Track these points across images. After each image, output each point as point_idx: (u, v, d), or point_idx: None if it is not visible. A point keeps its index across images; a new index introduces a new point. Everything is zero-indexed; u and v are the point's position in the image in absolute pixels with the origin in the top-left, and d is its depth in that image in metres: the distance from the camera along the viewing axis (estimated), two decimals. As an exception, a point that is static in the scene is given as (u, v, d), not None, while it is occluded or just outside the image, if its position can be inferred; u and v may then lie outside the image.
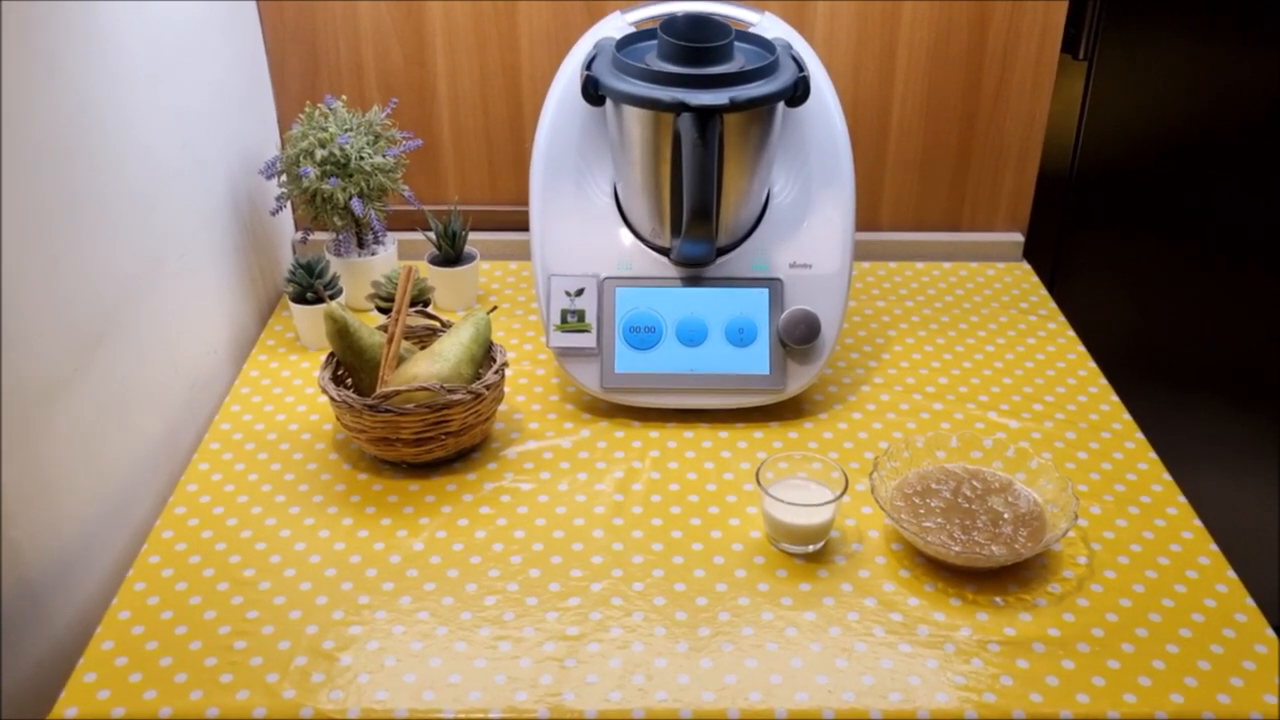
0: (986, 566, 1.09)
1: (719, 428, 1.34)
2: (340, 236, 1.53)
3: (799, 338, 1.32)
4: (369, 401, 1.21)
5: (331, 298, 1.45)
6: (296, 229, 1.68)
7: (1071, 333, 1.53)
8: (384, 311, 1.44)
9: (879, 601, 1.10)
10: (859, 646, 1.05)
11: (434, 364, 1.25)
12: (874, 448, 1.31)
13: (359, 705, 0.98)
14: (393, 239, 1.58)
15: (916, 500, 1.16)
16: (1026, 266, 1.71)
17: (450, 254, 1.55)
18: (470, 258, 1.57)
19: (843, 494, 1.14)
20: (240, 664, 1.02)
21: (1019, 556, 1.08)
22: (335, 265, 1.53)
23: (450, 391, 1.21)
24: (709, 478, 1.26)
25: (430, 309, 1.49)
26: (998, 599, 1.09)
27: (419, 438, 1.23)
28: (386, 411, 1.21)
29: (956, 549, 1.09)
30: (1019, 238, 1.72)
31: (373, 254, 1.55)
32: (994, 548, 1.10)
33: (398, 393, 1.21)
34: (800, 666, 1.03)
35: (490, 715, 0.98)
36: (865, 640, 1.05)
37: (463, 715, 0.98)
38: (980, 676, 1.01)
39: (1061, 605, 1.09)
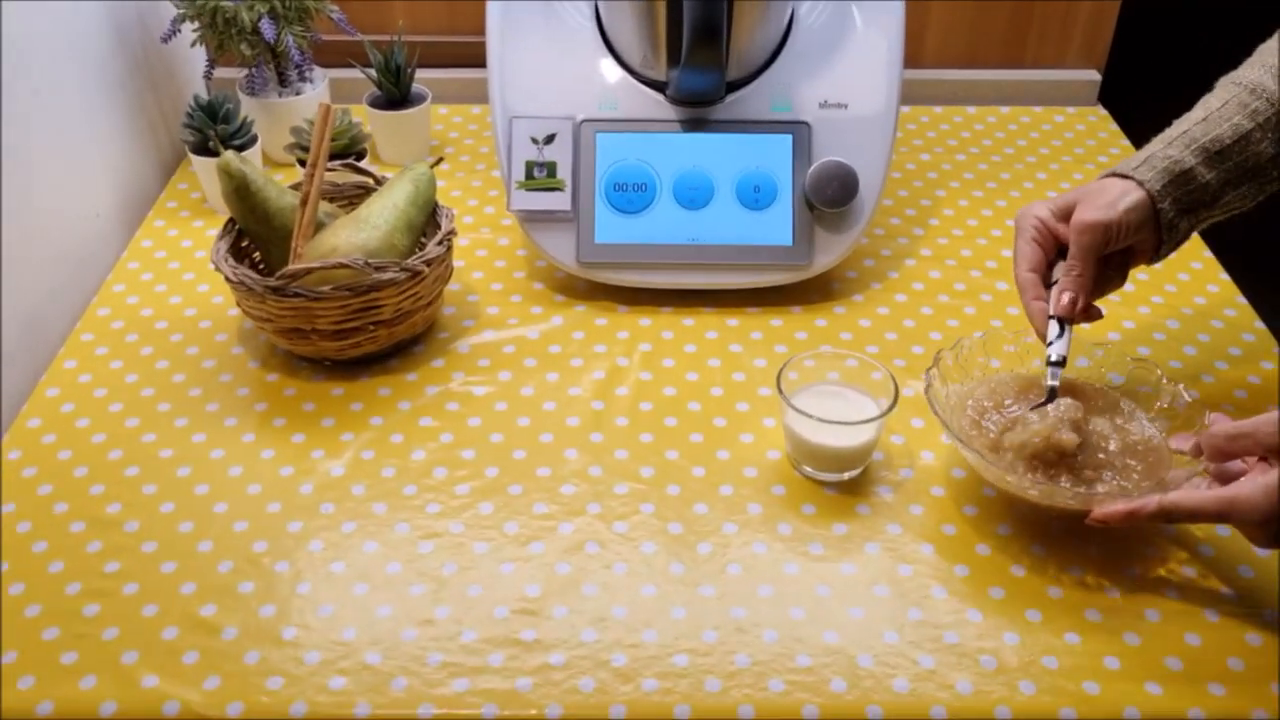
0: (1081, 509, 0.82)
1: (727, 314, 1.06)
2: (254, 71, 1.22)
3: (830, 198, 1.03)
4: (272, 282, 0.93)
5: (240, 147, 1.15)
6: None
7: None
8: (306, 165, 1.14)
9: (938, 550, 0.83)
10: (912, 614, 0.79)
11: (358, 232, 0.96)
12: (924, 339, 1.03)
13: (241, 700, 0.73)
14: (323, 75, 1.28)
15: (988, 420, 0.88)
16: (1104, 112, 1.40)
17: (394, 94, 1.25)
18: (420, 99, 1.26)
19: (891, 406, 0.86)
20: (91, 639, 0.77)
21: (1127, 498, 0.80)
22: (249, 107, 1.23)
23: (378, 268, 0.93)
24: (714, 379, 0.99)
25: (366, 163, 1.19)
26: (1093, 548, 0.83)
27: (341, 328, 0.95)
28: (296, 295, 0.93)
29: (1029, 481, 0.81)
30: (1095, 77, 1.41)
31: (297, 94, 1.24)
32: (1099, 486, 0.82)
33: (310, 270, 0.92)
34: (836, 643, 0.77)
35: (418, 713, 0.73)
36: (922, 606, 0.79)
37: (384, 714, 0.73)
38: (1080, 659, 0.76)
39: (1185, 560, 0.82)
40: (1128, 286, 1.08)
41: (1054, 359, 0.86)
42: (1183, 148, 0.85)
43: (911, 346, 1.02)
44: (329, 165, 1.06)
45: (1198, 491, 0.76)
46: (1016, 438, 0.83)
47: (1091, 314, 0.87)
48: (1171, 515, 0.76)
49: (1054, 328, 0.86)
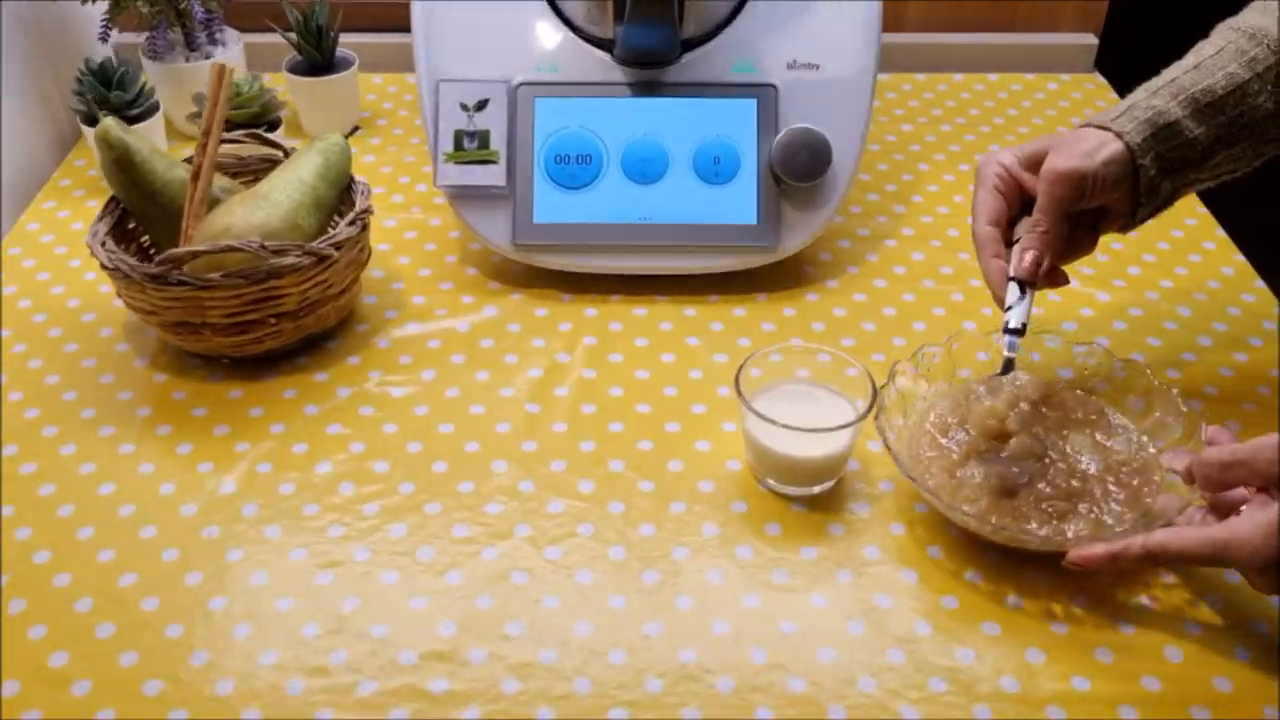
0: (1041, 550, 0.71)
1: (684, 302, 0.94)
2: (157, 33, 1.09)
3: (800, 170, 0.91)
4: (151, 269, 0.80)
5: (137, 118, 1.02)
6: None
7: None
8: (212, 137, 1.01)
9: (922, 579, 0.72)
10: (893, 656, 0.67)
11: (255, 210, 0.83)
12: (906, 330, 0.91)
13: (89, 769, 0.61)
14: (236, 38, 1.15)
15: (951, 439, 0.76)
16: (1101, 80, 1.28)
17: (316, 58, 1.12)
18: (345, 64, 1.13)
19: (869, 409, 0.74)
20: (-89, 694, 0.64)
21: (1106, 538, 0.68)
22: (152, 73, 1.10)
23: (277, 252, 0.81)
24: (668, 377, 0.87)
25: (282, 135, 1.06)
26: (1102, 574, 0.71)
27: (236, 321, 0.83)
28: (181, 284, 0.80)
29: (989, 525, 0.70)
30: (1091, 41, 1.29)
31: (206, 58, 1.11)
32: (1049, 528, 0.70)
33: (195, 254, 0.80)
34: (804, 691, 0.65)
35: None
36: (905, 646, 0.67)
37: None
38: (1092, 708, 0.64)
39: (1215, 587, 0.71)
40: (1132, 269, 0.97)
41: (1012, 325, 0.74)
42: (1169, 97, 0.73)
43: (892, 338, 0.90)
44: (233, 136, 0.93)
45: (1187, 530, 0.65)
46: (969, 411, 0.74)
47: (1057, 278, 0.76)
48: (1159, 558, 0.65)
49: (1013, 291, 0.74)
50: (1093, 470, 0.73)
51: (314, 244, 0.82)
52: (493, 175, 0.92)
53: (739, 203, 0.92)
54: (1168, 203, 0.76)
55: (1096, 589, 0.70)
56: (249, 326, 0.83)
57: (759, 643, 0.68)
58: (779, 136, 0.91)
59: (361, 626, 0.68)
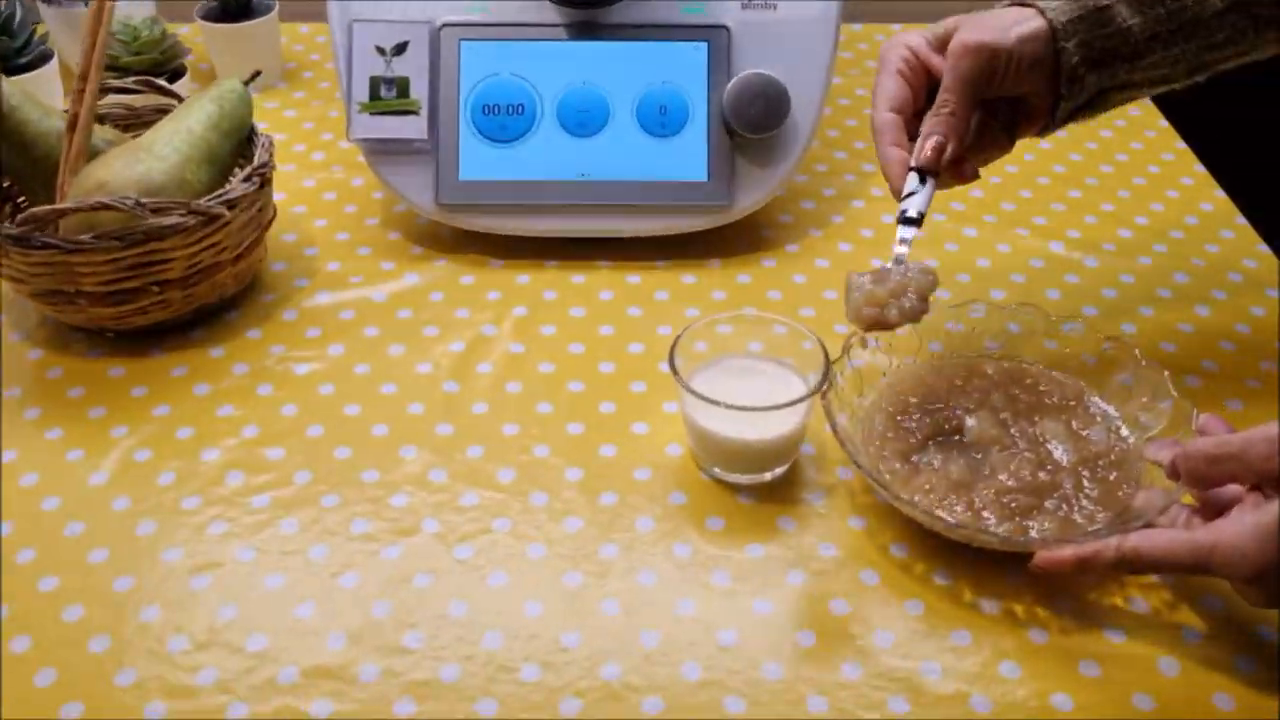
0: (1002, 550, 0.62)
1: (627, 268, 0.85)
2: (51, -28, 0.99)
3: (755, 120, 0.82)
4: (11, 230, 0.70)
5: (26, 66, 0.92)
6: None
7: (1164, 123, 1.03)
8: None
9: (884, 580, 0.63)
10: (849, 672, 0.58)
11: (135, 164, 0.74)
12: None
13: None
14: (144, -19, 1.05)
15: (909, 420, 0.68)
16: (1090, 28, 1.19)
17: (230, 3, 1.02)
18: (264, 9, 1.03)
19: (819, 385, 0.65)
20: None
21: (1074, 539, 0.60)
22: (50, 19, 1.00)
23: (156, 210, 0.71)
24: (605, 352, 0.78)
25: (184, 85, 0.97)
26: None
27: (113, 290, 0.73)
28: (46, 246, 0.70)
29: (952, 520, 0.61)
30: (1080, -13, 1.20)
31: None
32: (1010, 525, 0.62)
33: (62, 212, 0.70)
34: (742, 713, 0.56)
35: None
36: (862, 659, 0.59)
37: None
38: (1070, 731, 0.55)
39: (1182, 611, 0.62)
40: (1122, 232, 0.88)
41: (909, 214, 0.65)
42: None
43: (856, 308, 0.81)
44: (123, 84, 0.84)
45: (1166, 534, 0.56)
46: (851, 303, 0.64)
47: (964, 171, 0.67)
48: (1134, 564, 0.56)
49: (913, 180, 0.65)
50: (1065, 461, 0.65)
51: (201, 202, 0.72)
52: (413, 127, 0.83)
53: (688, 157, 0.83)
54: (1093, 103, 0.66)
55: (1080, 590, 0.62)
56: (129, 295, 0.74)
57: (693, 657, 0.59)
58: (731, 84, 0.81)
59: (237, 639, 0.59)
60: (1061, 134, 0.69)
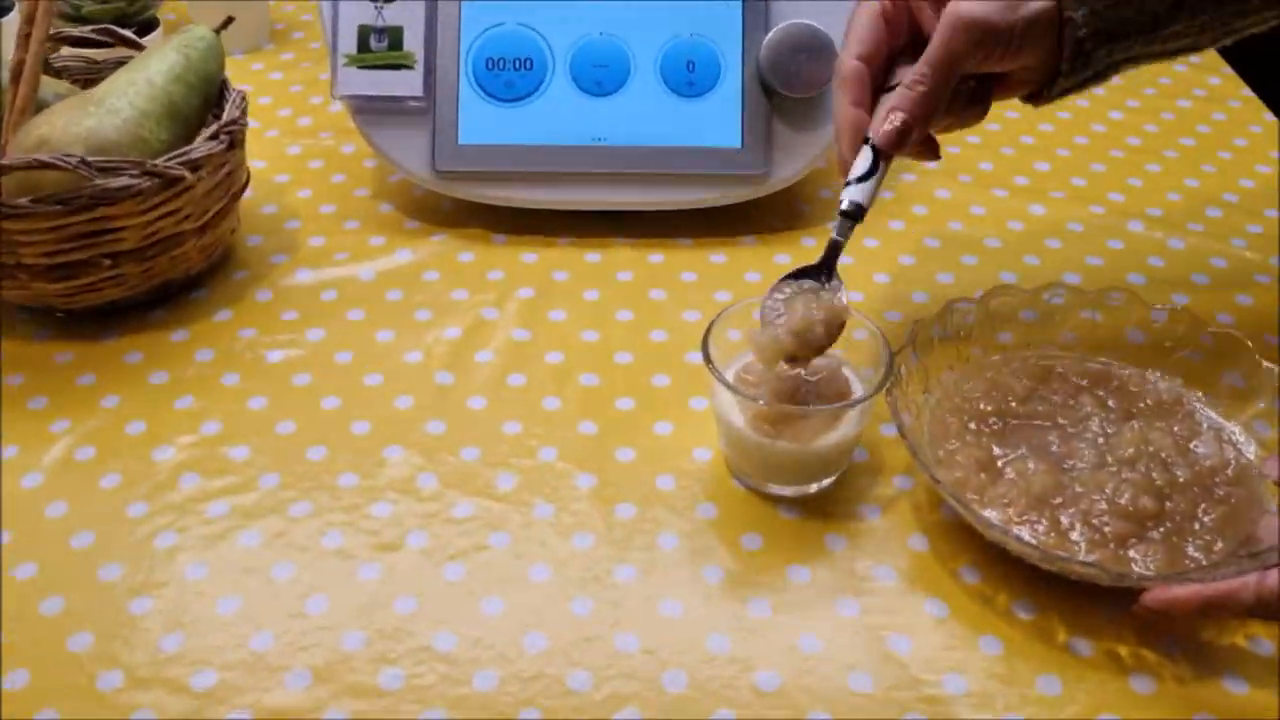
0: (1114, 585, 0.52)
1: (648, 246, 0.75)
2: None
3: (796, 79, 0.72)
4: (-64, 191, 0.61)
5: (-21, 17, 0.83)
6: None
7: (1248, 92, 0.92)
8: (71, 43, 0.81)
9: (954, 612, 0.52)
10: (915, 726, 0.48)
11: (84, 118, 0.64)
12: (929, 283, 0.72)
13: None
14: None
15: (979, 428, 0.57)
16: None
17: (212, -47, 0.92)
18: (250, -39, 0.94)
19: (883, 382, 0.55)
20: None
21: (1172, 581, 0.49)
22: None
23: (105, 170, 0.61)
24: (623, 340, 0.68)
25: (157, 39, 0.87)
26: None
27: (58, 263, 0.64)
28: (-22, 211, 0.61)
29: (1035, 543, 0.51)
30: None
31: (79, -49, 0.91)
32: (1103, 553, 0.52)
33: (4, 170, 0.60)
34: (786, 779, 0.46)
35: None
36: (930, 709, 0.48)
37: None
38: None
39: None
40: (1211, 210, 0.77)
41: (845, 206, 0.55)
42: None
43: (911, 293, 0.71)
44: (81, 33, 0.74)
45: None
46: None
47: (926, 150, 0.57)
48: (1270, 608, 0.46)
49: (865, 157, 0.55)
50: (1174, 480, 0.54)
51: (158, 162, 0.63)
52: (407, 84, 0.73)
53: (719, 121, 0.73)
54: (1098, 77, 0.56)
55: (1193, 630, 0.51)
56: (77, 269, 0.64)
57: (726, 703, 0.49)
58: (770, 35, 0.71)
59: (180, 674, 0.50)
60: (1132, 103, 0.59)
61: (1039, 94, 0.57)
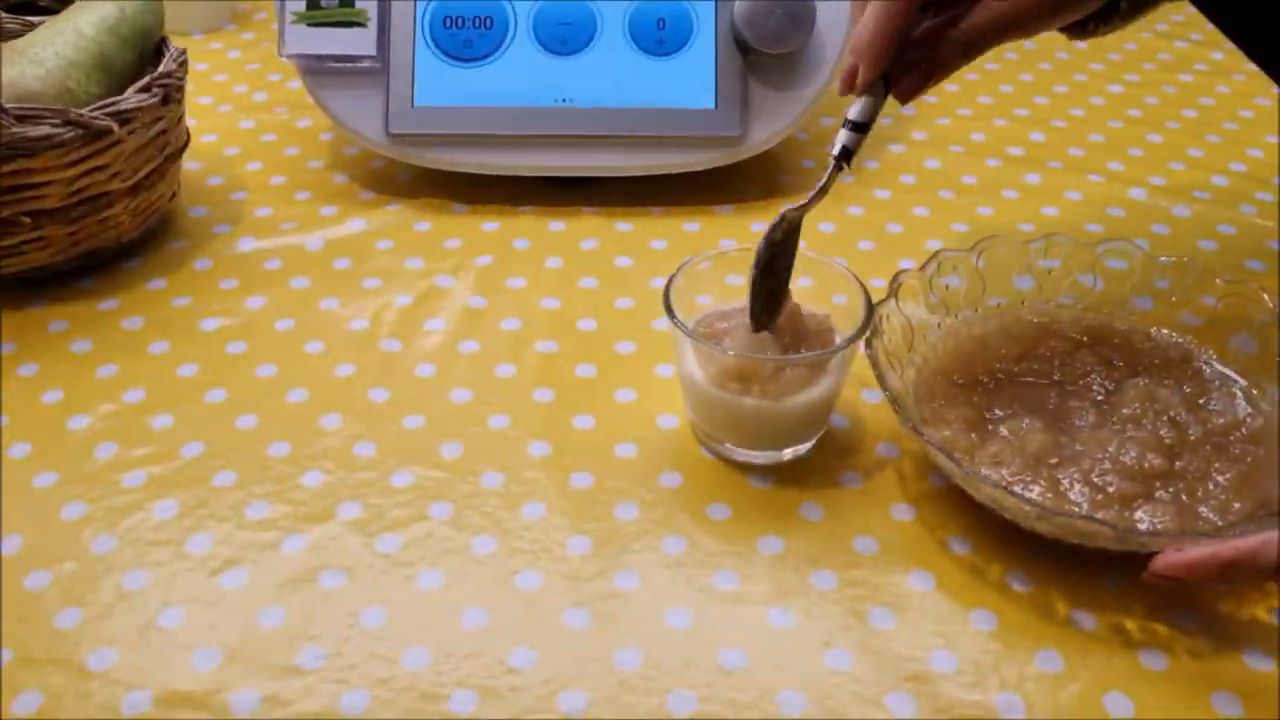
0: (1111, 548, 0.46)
1: (617, 214, 0.70)
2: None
3: (773, 34, 0.67)
4: None
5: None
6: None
7: (1252, 66, 0.88)
8: (11, 9, 0.77)
9: (940, 584, 0.47)
10: (895, 705, 0.42)
11: (6, 67, 0.60)
12: (918, 249, 0.67)
13: None
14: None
15: (970, 387, 0.52)
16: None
17: (169, -73, 0.88)
18: (208, -63, 0.90)
19: (861, 330, 0.50)
20: None
21: (1189, 541, 0.43)
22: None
23: (22, 118, 0.57)
24: (585, 307, 0.63)
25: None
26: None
27: (-24, 222, 0.59)
28: (-115, 162, 0.56)
29: (1026, 505, 0.46)
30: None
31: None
32: (1109, 513, 0.46)
33: (-95, 121, 0.56)
34: (750, 763, 0.41)
35: None
36: (915, 688, 0.43)
37: None
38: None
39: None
40: (1235, 165, 0.73)
41: (855, 117, 0.51)
42: None
43: (899, 259, 0.66)
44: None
45: None
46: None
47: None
48: None
49: (871, 100, 0.51)
50: (1186, 437, 0.49)
51: (82, 112, 0.58)
52: (359, 42, 0.69)
53: (691, 80, 0.69)
54: (1120, 22, 0.53)
55: (1209, 601, 0.46)
56: (-3, 229, 0.60)
57: (687, 683, 0.43)
58: (744, -11, 0.67)
59: (76, 654, 0.44)
60: (1132, 77, 0.54)
61: (1084, 26, 0.52)
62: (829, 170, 0.51)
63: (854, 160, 0.51)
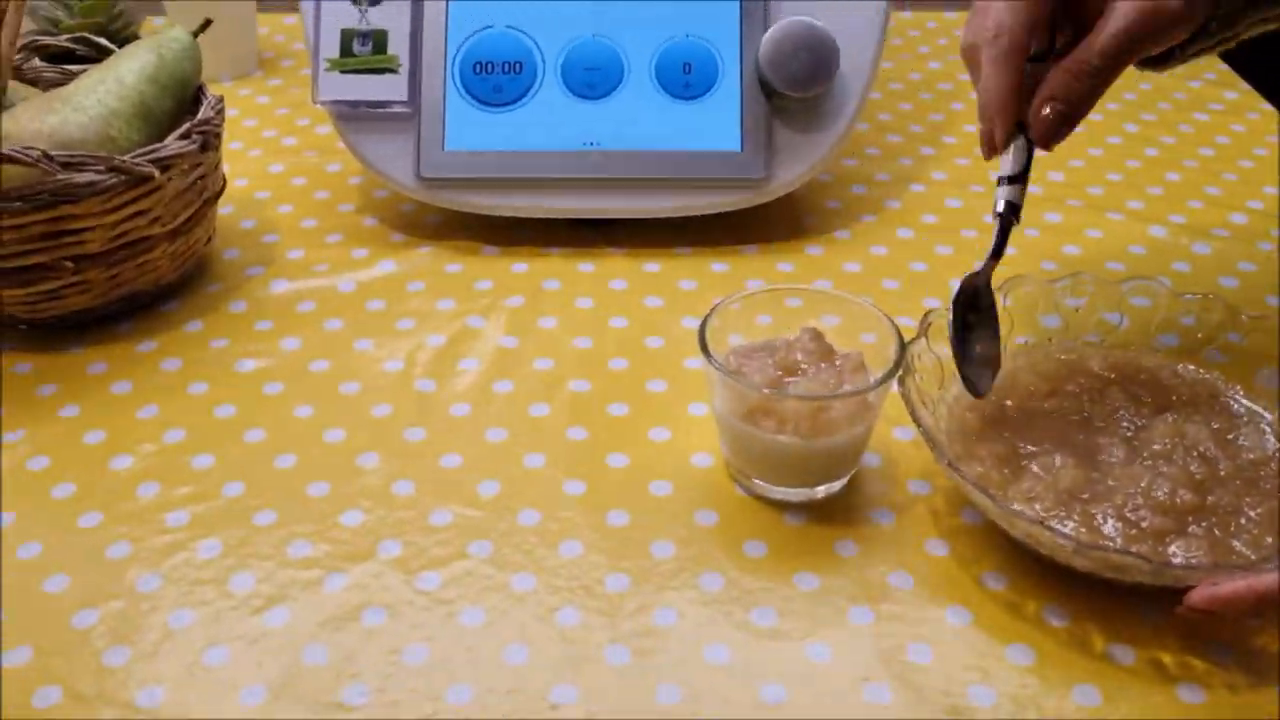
0: (1147, 583, 0.46)
1: (645, 255, 0.71)
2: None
3: (798, 77, 0.69)
4: (-112, 186, 0.58)
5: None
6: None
7: (1267, 105, 0.89)
8: (50, 59, 0.78)
9: (977, 621, 0.48)
10: (939, 741, 0.43)
11: (50, 114, 0.61)
12: (942, 289, 0.68)
13: None
14: (106, -46, 0.93)
15: (1002, 424, 0.53)
16: (1169, 16, 1.06)
17: (200, -23, 0.90)
18: (238, -15, 0.92)
19: (893, 369, 0.51)
20: None
21: (1224, 575, 0.44)
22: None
23: (68, 165, 0.58)
24: (617, 346, 0.64)
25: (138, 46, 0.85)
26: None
27: (20, 265, 0.60)
28: (-67, 208, 0.58)
29: (1062, 539, 0.46)
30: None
31: (66, -25, 0.90)
32: (1143, 547, 0.47)
33: (-47, 168, 0.57)
34: (794, 798, 0.41)
35: None
36: (954, 724, 0.44)
37: None
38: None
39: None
40: (1252, 204, 0.73)
41: (1007, 172, 0.51)
42: None
43: (922, 298, 0.67)
44: (57, 42, 0.71)
45: None
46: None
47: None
48: None
49: (1018, 151, 0.51)
50: (1216, 473, 0.50)
51: (125, 158, 0.59)
52: (391, 88, 0.70)
53: (717, 123, 0.70)
54: (1201, 51, 0.52)
55: (1244, 635, 0.47)
56: (39, 273, 0.61)
57: (728, 718, 0.44)
58: (769, 33, 0.68)
59: (124, 692, 0.45)
60: (1148, 116, 0.56)
61: (1169, 56, 0.52)
62: (996, 229, 0.52)
63: (1020, 212, 0.52)
